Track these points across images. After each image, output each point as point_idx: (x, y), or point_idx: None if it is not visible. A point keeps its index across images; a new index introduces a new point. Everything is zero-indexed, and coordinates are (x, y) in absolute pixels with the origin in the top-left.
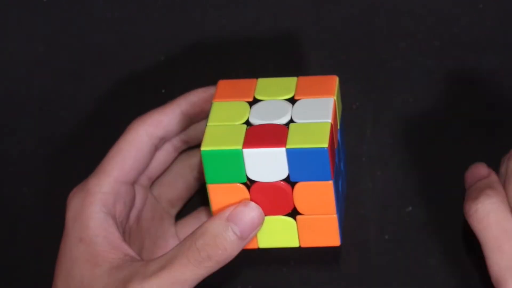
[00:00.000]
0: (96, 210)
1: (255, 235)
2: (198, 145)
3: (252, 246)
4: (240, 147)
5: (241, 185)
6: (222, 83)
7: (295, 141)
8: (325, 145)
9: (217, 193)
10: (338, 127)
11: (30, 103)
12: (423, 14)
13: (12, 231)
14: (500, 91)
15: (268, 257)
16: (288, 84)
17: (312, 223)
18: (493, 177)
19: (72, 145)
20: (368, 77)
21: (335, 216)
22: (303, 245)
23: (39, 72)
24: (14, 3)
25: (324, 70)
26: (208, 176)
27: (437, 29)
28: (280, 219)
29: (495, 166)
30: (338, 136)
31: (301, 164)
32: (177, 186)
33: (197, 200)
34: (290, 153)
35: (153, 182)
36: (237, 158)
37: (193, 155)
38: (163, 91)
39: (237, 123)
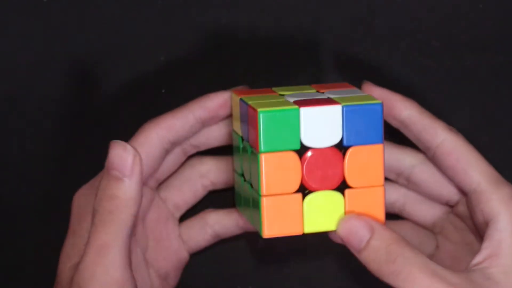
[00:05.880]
0: None
1: (292, 217)
2: (209, 151)
3: (297, 231)
4: (296, 106)
5: (294, 154)
6: (237, 91)
7: (349, 100)
8: (379, 101)
9: (270, 163)
10: None
11: (30, 103)
12: (423, 14)
13: (12, 231)
14: (500, 91)
15: (268, 257)
16: (305, 90)
17: (360, 196)
18: (379, 231)
19: (71, 145)
20: (368, 77)
21: (382, 188)
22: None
23: (39, 72)
24: (14, 3)
25: (324, 70)
26: (264, 143)
27: (437, 29)
28: (329, 194)
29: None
30: None
31: (356, 123)
32: (184, 191)
33: (201, 202)
34: (347, 111)
35: (161, 184)
36: (293, 119)
37: (204, 163)
38: (163, 91)
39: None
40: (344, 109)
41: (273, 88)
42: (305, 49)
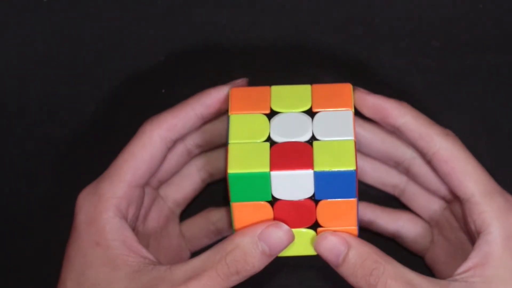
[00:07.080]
0: (111, 216)
1: None
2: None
3: None
4: (267, 169)
5: (265, 203)
6: (235, 91)
7: (322, 162)
8: (353, 167)
9: (241, 211)
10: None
11: (30, 103)
12: (423, 14)
13: (12, 231)
14: (500, 91)
15: None
16: (302, 93)
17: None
18: (353, 254)
19: (72, 145)
20: (368, 77)
21: (355, 228)
22: None
23: (39, 72)
24: (14, 3)
25: (324, 70)
26: (233, 196)
27: (437, 29)
28: (301, 231)
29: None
30: None
31: (328, 185)
32: (184, 187)
33: (200, 198)
34: (318, 175)
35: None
36: (264, 180)
37: (200, 156)
38: (163, 91)
39: (259, 141)
40: (315, 174)
41: (272, 87)
42: (305, 48)
